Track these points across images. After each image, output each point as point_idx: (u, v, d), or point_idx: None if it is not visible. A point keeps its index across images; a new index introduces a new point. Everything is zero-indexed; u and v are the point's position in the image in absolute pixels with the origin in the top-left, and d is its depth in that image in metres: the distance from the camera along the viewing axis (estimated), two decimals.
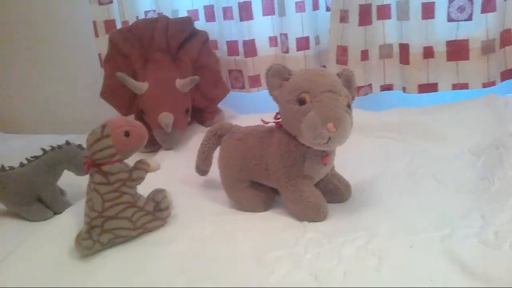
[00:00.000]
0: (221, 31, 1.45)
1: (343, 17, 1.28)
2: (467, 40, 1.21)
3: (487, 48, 1.20)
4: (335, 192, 0.87)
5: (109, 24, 1.48)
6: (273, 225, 0.82)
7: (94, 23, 1.49)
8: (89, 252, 0.76)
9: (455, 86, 1.25)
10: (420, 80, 1.27)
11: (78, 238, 0.76)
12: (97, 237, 0.77)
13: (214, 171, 0.95)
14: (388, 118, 1.20)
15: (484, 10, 1.18)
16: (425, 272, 0.63)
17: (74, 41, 1.69)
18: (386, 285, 0.62)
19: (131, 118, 1.32)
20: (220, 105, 1.43)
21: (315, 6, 1.36)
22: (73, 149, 0.98)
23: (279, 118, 0.83)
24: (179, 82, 1.25)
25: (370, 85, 1.34)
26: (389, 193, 0.88)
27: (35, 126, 1.83)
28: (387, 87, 1.36)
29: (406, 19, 1.25)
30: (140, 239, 0.81)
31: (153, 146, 1.24)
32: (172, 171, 1.06)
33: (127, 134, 0.79)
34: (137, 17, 1.48)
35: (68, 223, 0.86)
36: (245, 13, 1.37)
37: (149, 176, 0.83)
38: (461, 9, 1.19)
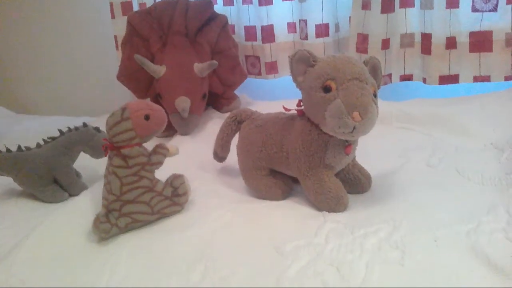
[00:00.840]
0: (239, 16, 1.43)
1: (365, 4, 1.25)
2: (491, 31, 1.18)
3: (511, 40, 1.17)
4: (355, 182, 0.85)
5: (126, 5, 1.46)
6: (292, 214, 0.80)
7: (111, 4, 1.48)
8: (107, 235, 0.75)
9: (476, 79, 1.23)
10: (442, 71, 1.25)
11: (96, 221, 0.75)
12: (115, 220, 0.76)
13: (232, 157, 0.94)
14: (408, 108, 1.18)
15: (510, 1, 1.14)
16: (450, 268, 0.61)
17: (90, 22, 1.68)
18: (410, 279, 0.60)
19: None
20: (236, 91, 1.41)
21: None
22: (90, 131, 0.98)
23: (301, 106, 0.81)
24: (197, 67, 1.22)
25: (389, 75, 1.32)
26: (410, 186, 0.86)
27: (48, 107, 1.83)
28: (406, 77, 1.33)
29: (430, 8, 1.21)
30: (158, 224, 0.80)
31: (169, 130, 1.23)
32: (188, 156, 1.04)
33: (147, 117, 0.77)
34: None
35: (85, 205, 0.86)
36: None
37: (165, 161, 0.82)
38: None
